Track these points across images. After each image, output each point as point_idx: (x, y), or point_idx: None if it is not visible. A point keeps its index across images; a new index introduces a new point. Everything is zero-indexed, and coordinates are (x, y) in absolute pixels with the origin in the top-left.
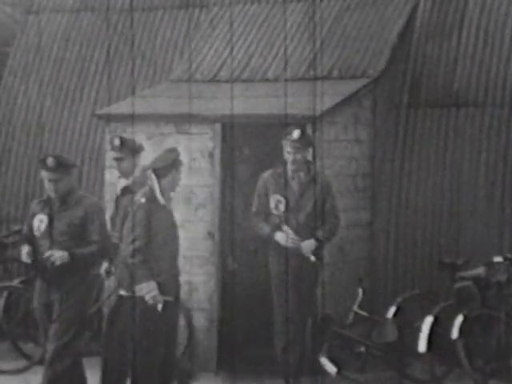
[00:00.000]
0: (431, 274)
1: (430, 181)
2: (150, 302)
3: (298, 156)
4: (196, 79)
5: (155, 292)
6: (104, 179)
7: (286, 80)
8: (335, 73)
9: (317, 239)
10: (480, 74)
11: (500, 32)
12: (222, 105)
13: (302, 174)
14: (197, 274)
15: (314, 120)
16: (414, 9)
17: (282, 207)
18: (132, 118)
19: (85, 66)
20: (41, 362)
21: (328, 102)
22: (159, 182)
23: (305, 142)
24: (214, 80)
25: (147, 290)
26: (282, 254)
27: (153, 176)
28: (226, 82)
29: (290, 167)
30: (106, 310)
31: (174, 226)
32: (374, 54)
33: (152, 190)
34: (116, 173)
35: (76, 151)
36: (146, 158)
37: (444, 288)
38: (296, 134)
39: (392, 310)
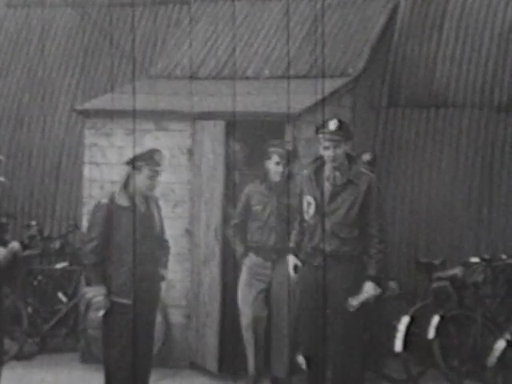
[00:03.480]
0: (408, 274)
1: (408, 181)
2: (94, 306)
3: (339, 151)
4: (176, 76)
5: (100, 297)
6: (82, 175)
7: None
8: (315, 71)
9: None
10: (459, 74)
11: (479, 33)
12: (201, 102)
13: (337, 174)
14: (175, 271)
15: (294, 118)
16: (395, 9)
17: (311, 211)
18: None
19: (64, 61)
20: (17, 357)
21: (307, 100)
22: (132, 181)
23: (344, 133)
24: (194, 77)
25: (93, 294)
26: (316, 269)
27: (123, 175)
28: (206, 79)
29: (328, 165)
30: (82, 307)
31: (145, 227)
32: (354, 54)
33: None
34: (95, 168)
35: (54, 146)
36: (125, 154)
37: (421, 288)
38: (333, 124)
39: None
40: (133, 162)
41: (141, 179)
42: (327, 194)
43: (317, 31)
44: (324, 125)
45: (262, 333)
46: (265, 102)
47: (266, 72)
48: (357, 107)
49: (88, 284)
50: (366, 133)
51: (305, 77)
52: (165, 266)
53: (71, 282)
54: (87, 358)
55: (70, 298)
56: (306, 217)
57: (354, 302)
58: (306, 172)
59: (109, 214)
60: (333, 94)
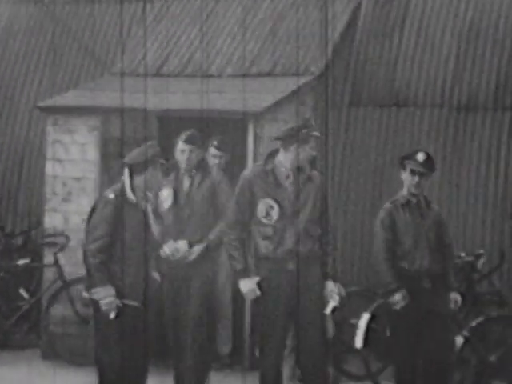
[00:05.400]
0: (368, 272)
1: (369, 179)
2: (104, 308)
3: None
4: (139, 73)
5: (111, 298)
6: (45, 171)
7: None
8: (277, 70)
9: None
10: (420, 74)
11: (440, 32)
12: (164, 99)
13: (296, 172)
14: None
15: (256, 117)
16: (357, 8)
17: (274, 214)
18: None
19: (27, 57)
20: None
21: (270, 98)
22: (133, 179)
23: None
24: (156, 74)
25: (103, 295)
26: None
27: (126, 171)
28: (169, 76)
29: (286, 164)
30: (44, 303)
31: (146, 226)
32: (317, 52)
33: (123, 186)
34: (57, 164)
35: (17, 143)
36: (88, 151)
37: (381, 285)
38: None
39: (330, 307)
40: (154, 159)
41: (141, 178)
42: (291, 193)
43: (279, 29)
44: (308, 123)
45: None
46: (227, 100)
47: (229, 70)
48: (318, 106)
49: (93, 285)
50: (328, 130)
51: (267, 75)
52: (156, 269)
53: (33, 279)
54: (49, 355)
55: (32, 294)
56: (267, 221)
57: (328, 309)
58: (250, 173)
59: (116, 209)
60: (295, 92)
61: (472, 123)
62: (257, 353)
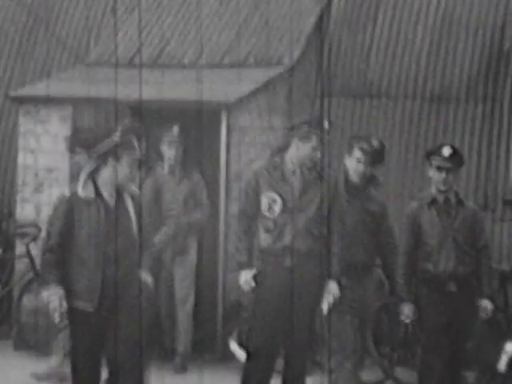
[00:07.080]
0: None
1: (341, 171)
2: (51, 309)
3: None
4: (112, 63)
5: (56, 301)
6: (17, 162)
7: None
8: (251, 60)
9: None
10: (393, 65)
11: (413, 24)
12: (136, 90)
13: (304, 168)
14: None
15: (229, 107)
16: None
17: (276, 209)
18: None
19: None
20: None
21: (243, 89)
22: (97, 172)
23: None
24: (129, 65)
25: (48, 298)
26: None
27: (87, 166)
28: (142, 66)
29: (294, 159)
30: (15, 294)
31: (114, 223)
32: (290, 43)
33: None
34: (29, 155)
35: None
36: (60, 141)
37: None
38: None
39: (326, 307)
40: (115, 150)
41: (105, 172)
42: (297, 189)
43: (253, 20)
44: (319, 123)
45: None
46: (200, 91)
47: (202, 60)
48: (292, 96)
49: (44, 285)
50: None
51: (241, 66)
52: (146, 269)
53: (4, 270)
54: (20, 346)
55: (4, 285)
56: (269, 215)
57: (325, 307)
58: (258, 166)
59: (71, 208)
60: (268, 82)
61: (445, 115)
62: (232, 346)
